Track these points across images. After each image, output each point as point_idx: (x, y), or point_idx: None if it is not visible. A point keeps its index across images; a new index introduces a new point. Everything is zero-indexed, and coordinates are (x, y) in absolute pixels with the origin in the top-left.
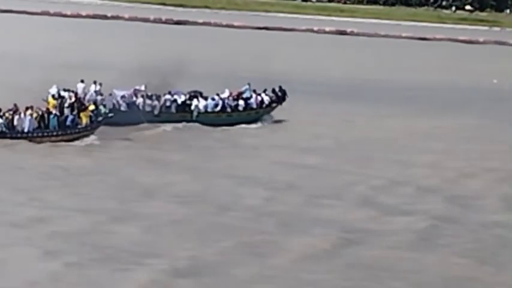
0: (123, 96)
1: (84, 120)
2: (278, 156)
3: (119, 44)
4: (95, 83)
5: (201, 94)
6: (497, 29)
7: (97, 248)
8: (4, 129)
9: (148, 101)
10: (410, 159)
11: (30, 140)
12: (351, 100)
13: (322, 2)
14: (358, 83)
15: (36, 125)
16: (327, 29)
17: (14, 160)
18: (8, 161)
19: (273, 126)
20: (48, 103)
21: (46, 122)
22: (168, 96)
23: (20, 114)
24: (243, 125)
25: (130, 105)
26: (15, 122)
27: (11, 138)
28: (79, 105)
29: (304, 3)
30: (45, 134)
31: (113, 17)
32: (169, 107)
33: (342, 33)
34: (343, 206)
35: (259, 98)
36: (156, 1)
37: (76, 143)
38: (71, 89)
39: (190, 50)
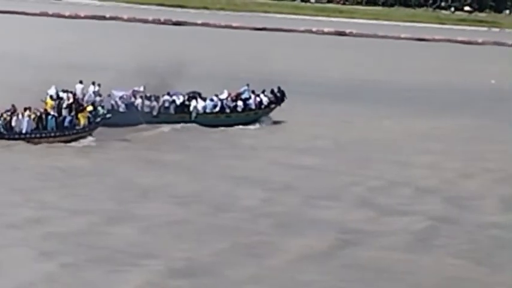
0: (121, 97)
1: (82, 121)
2: (276, 157)
3: (118, 45)
4: (93, 83)
5: (199, 95)
6: (496, 29)
7: (93, 249)
8: (2, 130)
9: (147, 102)
10: (409, 160)
11: (28, 141)
12: (350, 101)
13: (321, 2)
14: (356, 84)
15: (34, 126)
16: (326, 29)
17: (12, 161)
18: (5, 161)
19: (271, 127)
20: (46, 104)
21: (44, 123)
22: (166, 97)
23: (18, 115)
24: (242, 126)
25: (129, 106)
26: (13, 123)
27: (9, 139)
28: (77, 106)
29: (303, 4)
30: (43, 135)
31: (112, 18)
32: (168, 107)
33: (341, 34)
34: (341, 206)
35: (257, 98)
36: (154, 2)
37: (74, 144)
38: (70, 89)
39: (189, 50)
